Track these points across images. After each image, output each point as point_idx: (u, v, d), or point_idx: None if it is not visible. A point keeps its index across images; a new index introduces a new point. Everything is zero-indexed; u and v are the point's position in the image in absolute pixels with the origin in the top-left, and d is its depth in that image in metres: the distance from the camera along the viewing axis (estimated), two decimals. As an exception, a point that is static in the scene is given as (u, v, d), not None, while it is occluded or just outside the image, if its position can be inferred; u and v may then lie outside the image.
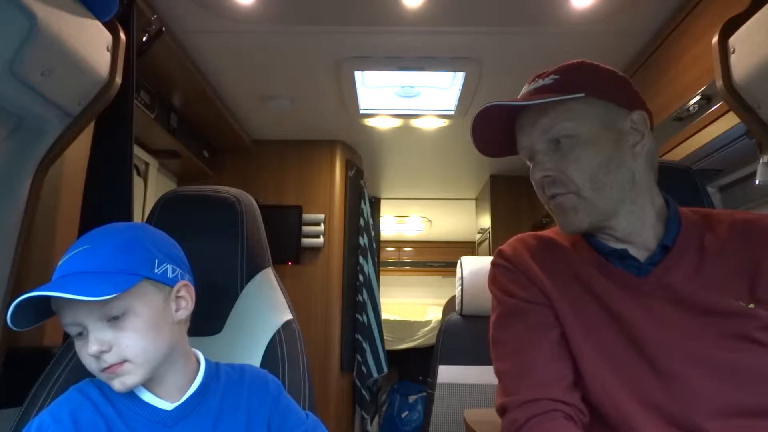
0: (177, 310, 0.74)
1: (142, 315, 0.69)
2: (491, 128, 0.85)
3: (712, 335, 0.71)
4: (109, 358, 0.66)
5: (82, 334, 0.68)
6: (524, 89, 0.84)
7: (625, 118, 0.80)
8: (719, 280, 0.74)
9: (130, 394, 0.72)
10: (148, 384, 0.73)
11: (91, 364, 0.68)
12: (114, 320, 0.67)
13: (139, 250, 0.71)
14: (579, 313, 0.78)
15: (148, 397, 0.72)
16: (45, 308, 0.69)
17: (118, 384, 0.67)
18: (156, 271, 0.71)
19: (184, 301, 0.76)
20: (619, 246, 0.80)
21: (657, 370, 0.71)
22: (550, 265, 0.83)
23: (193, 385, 0.75)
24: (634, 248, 0.80)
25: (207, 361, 0.79)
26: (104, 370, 0.67)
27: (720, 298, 0.72)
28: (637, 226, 0.80)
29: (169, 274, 0.73)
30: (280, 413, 0.78)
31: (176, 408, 0.72)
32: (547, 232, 0.91)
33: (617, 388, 0.72)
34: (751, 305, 0.71)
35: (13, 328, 0.65)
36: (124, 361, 0.67)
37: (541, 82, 0.81)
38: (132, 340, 0.68)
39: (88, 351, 0.66)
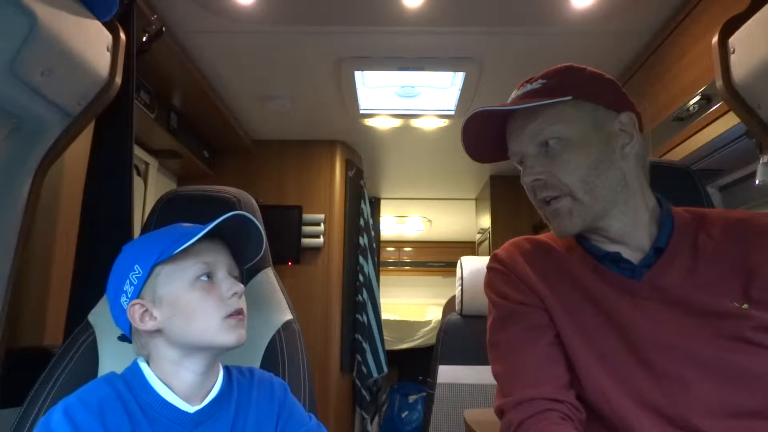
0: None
1: None
2: (482, 134, 0.86)
3: (707, 336, 0.71)
4: None
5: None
6: (513, 94, 0.85)
7: (614, 119, 0.80)
8: (713, 281, 0.74)
9: (154, 394, 0.72)
10: (173, 383, 0.73)
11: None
12: None
13: None
14: (573, 315, 0.78)
15: (171, 397, 0.72)
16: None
17: None
18: None
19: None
20: (612, 248, 0.80)
21: (653, 371, 0.71)
22: (544, 268, 0.84)
23: (213, 390, 0.75)
24: (627, 250, 0.80)
25: (224, 367, 0.80)
26: None
27: (714, 299, 0.72)
28: (630, 227, 0.80)
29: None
30: (285, 414, 0.79)
31: (197, 411, 0.72)
32: (541, 237, 0.91)
33: (614, 388, 0.72)
34: (745, 306, 0.71)
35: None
36: None
37: (529, 87, 0.82)
38: None
39: None
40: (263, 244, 0.81)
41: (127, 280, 0.74)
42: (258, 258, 0.83)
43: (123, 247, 0.78)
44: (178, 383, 0.73)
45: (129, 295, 0.73)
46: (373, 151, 3.10)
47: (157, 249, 0.73)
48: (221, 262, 0.76)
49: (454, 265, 2.08)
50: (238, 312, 0.74)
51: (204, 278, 0.73)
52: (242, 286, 0.77)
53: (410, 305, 5.30)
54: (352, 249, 2.94)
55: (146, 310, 0.73)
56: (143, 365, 0.74)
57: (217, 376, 0.77)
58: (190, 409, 0.72)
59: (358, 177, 3.07)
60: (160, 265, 0.73)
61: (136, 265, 0.73)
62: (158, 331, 0.73)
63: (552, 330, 0.79)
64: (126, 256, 0.76)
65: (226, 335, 0.72)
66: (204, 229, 0.72)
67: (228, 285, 0.74)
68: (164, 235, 0.75)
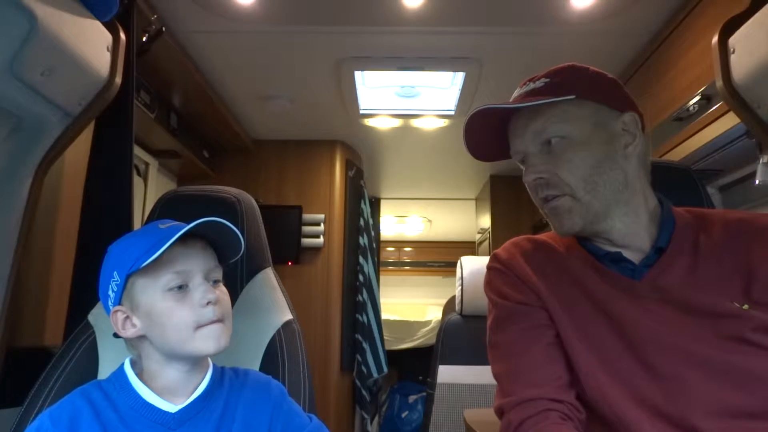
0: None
1: None
2: (484, 132, 0.86)
3: (707, 336, 0.71)
4: None
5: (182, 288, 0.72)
6: (516, 93, 0.85)
7: (617, 119, 0.80)
8: (713, 282, 0.74)
9: (135, 396, 0.72)
10: (159, 381, 0.74)
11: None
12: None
13: None
14: (573, 315, 0.78)
15: (152, 398, 0.72)
16: None
17: None
18: None
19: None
20: (613, 249, 0.80)
21: (653, 371, 0.71)
22: (544, 268, 0.84)
23: (198, 389, 0.75)
24: (628, 251, 0.80)
25: (213, 366, 0.80)
26: None
27: (714, 299, 0.72)
28: (632, 228, 0.80)
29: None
30: (282, 417, 0.78)
31: (180, 410, 0.72)
32: (542, 236, 0.91)
33: (613, 388, 0.72)
34: (746, 306, 0.71)
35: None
36: None
37: (532, 86, 0.82)
38: None
39: None
40: (241, 241, 0.78)
41: (109, 287, 0.74)
42: (240, 254, 0.80)
43: (108, 248, 0.77)
44: (164, 381, 0.74)
45: (112, 301, 0.74)
46: (373, 151, 3.10)
47: (132, 257, 0.71)
48: (196, 268, 0.73)
49: (454, 265, 2.09)
50: (213, 322, 0.72)
51: (176, 289, 0.71)
52: (219, 292, 0.74)
53: (410, 305, 5.29)
54: (352, 249, 2.94)
55: (127, 317, 0.73)
56: (127, 368, 0.75)
57: (205, 373, 0.77)
58: (173, 408, 0.72)
59: (358, 177, 3.07)
60: (133, 275, 0.72)
61: (115, 272, 0.73)
62: (142, 336, 0.73)
63: (552, 330, 0.79)
64: (108, 260, 0.76)
65: (202, 343, 0.71)
66: (170, 239, 0.69)
67: (201, 293, 0.72)
68: (141, 241, 0.73)
